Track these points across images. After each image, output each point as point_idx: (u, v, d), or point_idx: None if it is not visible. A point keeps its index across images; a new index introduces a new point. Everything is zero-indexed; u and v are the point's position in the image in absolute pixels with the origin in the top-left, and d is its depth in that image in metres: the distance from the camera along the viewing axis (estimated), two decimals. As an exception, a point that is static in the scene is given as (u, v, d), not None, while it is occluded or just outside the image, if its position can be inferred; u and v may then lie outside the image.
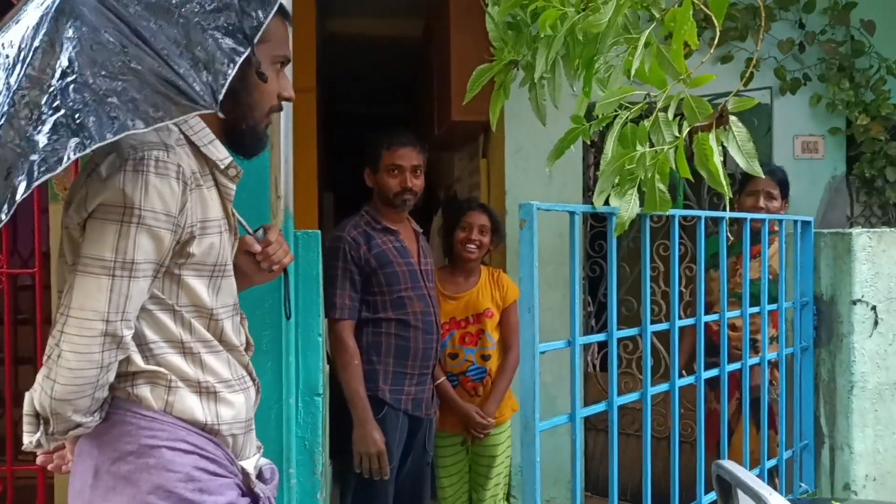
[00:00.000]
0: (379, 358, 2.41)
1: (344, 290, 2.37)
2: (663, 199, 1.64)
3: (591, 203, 1.75)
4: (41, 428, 1.19)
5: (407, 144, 2.48)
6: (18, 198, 0.98)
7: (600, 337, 1.95)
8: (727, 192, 1.55)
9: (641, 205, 1.71)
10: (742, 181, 2.97)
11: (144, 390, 1.23)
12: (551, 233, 2.62)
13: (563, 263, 3.24)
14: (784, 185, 2.90)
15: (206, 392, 1.27)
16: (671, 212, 1.84)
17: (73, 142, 0.98)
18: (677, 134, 1.53)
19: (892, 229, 2.56)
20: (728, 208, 1.72)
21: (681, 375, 2.13)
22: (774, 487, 2.39)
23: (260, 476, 1.37)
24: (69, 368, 1.13)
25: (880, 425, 2.47)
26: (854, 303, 2.44)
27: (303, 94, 3.39)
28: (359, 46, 5.36)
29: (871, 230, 2.49)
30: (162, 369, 1.24)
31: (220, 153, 1.29)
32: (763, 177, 1.79)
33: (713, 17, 1.43)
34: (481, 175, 4.05)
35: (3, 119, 1.01)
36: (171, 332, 1.25)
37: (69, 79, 1.01)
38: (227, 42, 1.10)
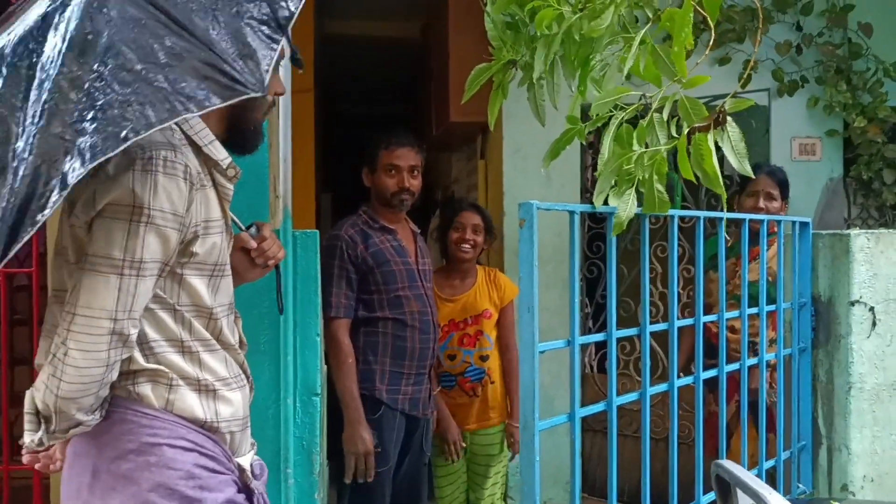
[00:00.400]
0: (376, 357, 2.41)
1: (340, 289, 2.37)
2: (662, 200, 1.64)
3: (590, 203, 1.75)
4: (42, 426, 1.19)
5: (405, 144, 2.48)
6: (72, 180, 0.98)
7: (600, 336, 1.95)
8: (724, 193, 1.55)
9: (640, 205, 1.71)
10: (742, 182, 2.97)
11: (146, 388, 1.24)
12: (549, 233, 2.62)
13: (562, 263, 3.24)
14: (784, 186, 2.90)
15: (205, 390, 1.28)
16: (670, 213, 1.84)
17: (127, 125, 1.00)
18: (675, 135, 1.53)
19: (890, 230, 2.56)
20: (725, 209, 1.72)
21: (679, 377, 2.13)
22: (773, 488, 2.39)
23: (251, 472, 1.38)
24: (76, 367, 1.14)
25: (878, 426, 2.47)
26: (852, 304, 2.44)
27: (301, 94, 3.39)
28: (357, 47, 5.36)
29: (870, 231, 2.50)
30: (163, 367, 1.25)
31: (221, 153, 1.31)
32: (755, 177, 1.79)
33: (704, 14, 1.43)
34: (479, 176, 4.05)
35: (48, 104, 1.01)
36: (171, 330, 1.26)
37: (113, 64, 1.03)
38: (264, 30, 1.11)
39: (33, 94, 1.03)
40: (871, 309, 2.45)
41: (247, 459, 1.37)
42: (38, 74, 1.04)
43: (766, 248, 2.38)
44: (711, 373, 2.21)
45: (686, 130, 1.51)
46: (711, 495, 1.77)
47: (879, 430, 2.47)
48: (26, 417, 1.20)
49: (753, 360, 2.37)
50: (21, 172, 1.00)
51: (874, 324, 2.46)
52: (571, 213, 1.80)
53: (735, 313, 2.31)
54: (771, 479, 2.47)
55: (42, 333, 1.31)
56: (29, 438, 1.21)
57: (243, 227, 1.48)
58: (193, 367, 1.27)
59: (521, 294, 1.73)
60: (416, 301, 2.46)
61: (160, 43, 1.05)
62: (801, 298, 2.53)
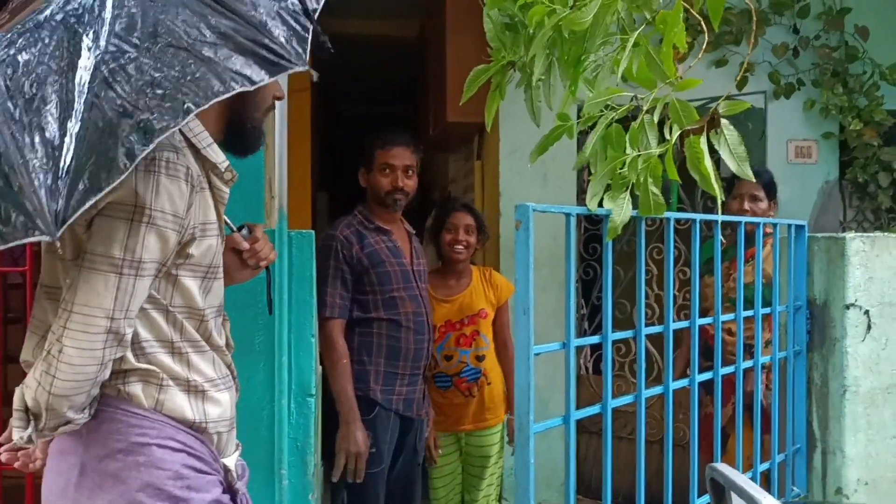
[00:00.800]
0: (370, 358, 2.41)
1: (335, 289, 2.37)
2: (657, 203, 1.63)
3: (586, 205, 1.75)
4: (31, 424, 1.19)
5: (400, 144, 2.48)
6: (144, 153, 1.02)
7: (595, 339, 1.95)
8: (719, 196, 1.55)
9: (635, 208, 1.71)
10: (729, 185, 2.97)
11: (136, 388, 1.24)
12: (545, 235, 2.62)
13: (558, 265, 3.24)
14: (770, 187, 2.89)
15: (194, 391, 1.29)
16: (666, 215, 1.84)
17: (187, 98, 1.05)
18: (667, 137, 1.53)
19: (886, 234, 2.56)
20: (720, 212, 1.72)
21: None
22: (768, 491, 2.39)
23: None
24: (71, 364, 1.14)
25: (872, 430, 2.48)
26: (847, 307, 2.44)
27: (297, 93, 3.38)
28: (356, 46, 5.35)
29: (865, 234, 2.50)
30: (154, 368, 1.25)
31: (219, 156, 1.31)
32: (752, 180, 1.80)
33: (704, 22, 1.43)
34: (476, 176, 4.05)
35: (99, 80, 1.04)
36: (163, 331, 1.26)
37: (164, 42, 1.07)
38: (297, 17, 1.18)
39: (80, 70, 1.06)
40: (867, 312, 2.45)
41: (232, 460, 1.38)
42: (84, 50, 1.06)
43: (761, 249, 2.38)
44: (707, 375, 2.21)
45: (677, 133, 1.51)
46: (706, 498, 1.77)
47: (874, 434, 2.48)
48: (15, 415, 1.20)
49: (749, 363, 2.37)
50: (74, 145, 1.02)
51: (869, 327, 2.46)
52: (567, 215, 1.80)
53: (730, 316, 2.31)
54: (766, 481, 2.47)
55: (29, 329, 1.30)
56: (17, 436, 1.20)
57: (235, 228, 1.48)
58: (183, 368, 1.28)
59: (516, 296, 1.73)
60: (411, 302, 2.46)
61: (206, 22, 1.10)
62: (797, 301, 2.53)
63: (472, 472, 2.82)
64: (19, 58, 1.08)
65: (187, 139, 1.28)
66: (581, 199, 3.73)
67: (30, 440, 1.20)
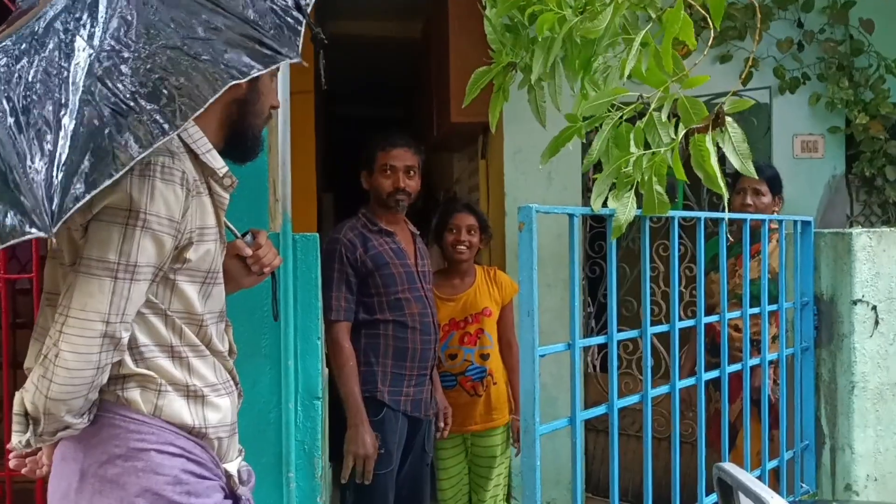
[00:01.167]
0: (377, 359, 2.41)
1: (340, 292, 2.37)
2: (661, 202, 1.63)
3: (590, 205, 1.75)
4: (30, 428, 1.19)
5: (401, 145, 2.48)
6: (138, 157, 1.04)
7: (600, 339, 1.95)
8: (725, 193, 1.55)
9: (640, 207, 1.70)
10: (732, 179, 2.96)
11: (134, 393, 1.24)
12: (550, 233, 2.62)
13: (563, 264, 3.23)
14: (773, 181, 2.87)
15: (193, 396, 1.29)
16: (671, 213, 1.83)
17: (183, 101, 1.07)
18: (673, 135, 1.53)
19: (893, 229, 2.55)
20: (727, 209, 1.71)
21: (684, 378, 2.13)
22: (777, 488, 2.39)
23: (238, 478, 1.39)
24: (67, 368, 1.14)
25: (881, 425, 2.47)
26: (854, 303, 2.43)
27: (300, 95, 3.38)
28: (359, 47, 5.36)
29: (872, 230, 2.49)
30: (152, 373, 1.25)
31: (218, 163, 1.32)
32: (755, 177, 1.79)
33: (709, 19, 1.43)
34: (480, 177, 4.05)
35: (94, 79, 1.05)
36: (161, 336, 1.26)
37: (158, 42, 1.09)
38: (289, 12, 1.20)
39: (74, 70, 1.07)
40: (874, 308, 2.44)
41: (234, 465, 1.38)
42: (78, 53, 1.08)
43: (766, 245, 2.38)
44: (714, 373, 2.20)
45: (684, 131, 1.51)
46: (714, 496, 1.76)
47: (883, 430, 2.47)
48: (15, 419, 1.20)
49: (756, 360, 2.36)
50: (70, 144, 1.03)
51: (877, 323, 2.45)
52: (571, 216, 1.80)
53: (737, 313, 2.31)
54: (775, 478, 2.47)
55: (33, 336, 1.31)
56: (16, 440, 1.21)
57: (238, 235, 1.48)
58: (182, 373, 1.28)
59: (521, 297, 1.72)
60: (416, 303, 2.46)
61: (198, 19, 1.12)
62: (804, 297, 2.52)
63: (479, 472, 2.82)
64: (15, 59, 1.09)
65: (186, 144, 1.28)
66: (586, 197, 3.72)
67: (28, 445, 1.21)
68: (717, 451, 2.38)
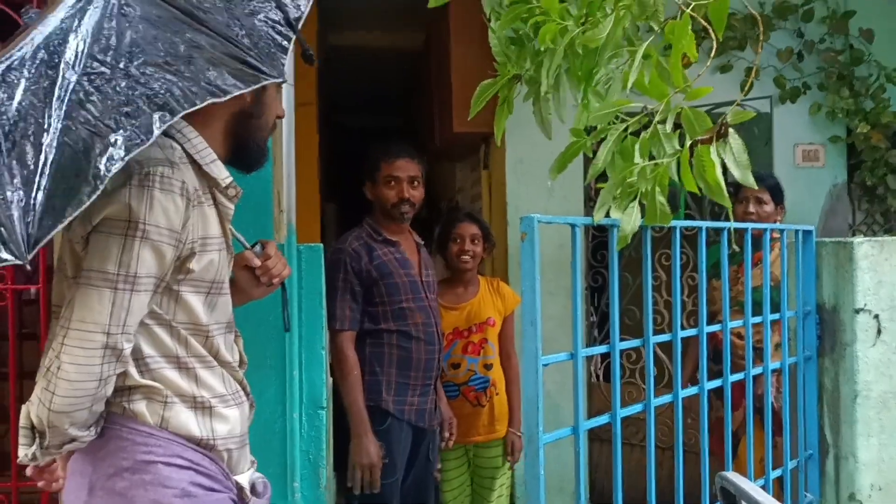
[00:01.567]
0: (382, 369, 2.42)
1: (345, 302, 2.38)
2: (663, 212, 1.64)
3: (592, 215, 1.76)
4: (36, 441, 1.19)
5: (404, 156, 2.50)
6: (113, 171, 1.04)
7: (603, 349, 1.95)
8: (728, 205, 1.56)
9: (642, 217, 1.71)
10: (734, 188, 2.97)
11: (140, 405, 1.24)
12: (553, 243, 2.63)
13: (565, 272, 3.22)
14: (775, 190, 2.90)
15: (201, 407, 1.28)
16: (672, 223, 1.84)
17: (157, 115, 1.07)
18: (677, 146, 1.54)
19: (895, 238, 2.56)
20: (732, 219, 1.73)
21: (686, 386, 2.13)
22: (781, 497, 2.39)
23: (253, 490, 1.38)
24: (69, 380, 1.14)
25: (885, 434, 2.46)
26: (857, 312, 2.44)
27: (304, 107, 3.40)
28: (362, 58, 5.38)
29: (873, 239, 2.49)
30: (158, 384, 1.24)
31: (222, 173, 1.31)
32: (754, 188, 1.81)
33: (711, 30, 1.44)
34: (483, 186, 4.06)
35: (73, 102, 1.06)
36: (167, 347, 1.26)
37: (139, 60, 1.09)
38: (277, 28, 1.21)
39: (58, 93, 1.07)
40: (876, 316, 2.45)
41: (245, 477, 1.37)
42: (61, 75, 1.08)
43: (768, 255, 2.38)
44: (716, 383, 2.20)
45: (689, 142, 1.52)
46: (718, 505, 1.77)
47: (887, 439, 2.46)
48: (21, 432, 1.20)
49: (759, 370, 2.37)
50: (48, 169, 1.03)
51: (879, 331, 2.45)
52: (573, 226, 1.81)
53: (740, 322, 2.31)
54: (779, 487, 2.46)
55: (44, 349, 1.32)
56: (23, 453, 1.20)
57: (248, 246, 1.48)
58: (189, 384, 1.27)
59: (523, 307, 1.73)
60: (421, 312, 2.47)
61: (182, 38, 1.12)
62: (806, 307, 2.52)
63: (482, 483, 2.82)
64: None
65: (189, 155, 1.27)
66: (588, 207, 3.73)
67: (34, 457, 1.20)
68: (721, 461, 2.38)
